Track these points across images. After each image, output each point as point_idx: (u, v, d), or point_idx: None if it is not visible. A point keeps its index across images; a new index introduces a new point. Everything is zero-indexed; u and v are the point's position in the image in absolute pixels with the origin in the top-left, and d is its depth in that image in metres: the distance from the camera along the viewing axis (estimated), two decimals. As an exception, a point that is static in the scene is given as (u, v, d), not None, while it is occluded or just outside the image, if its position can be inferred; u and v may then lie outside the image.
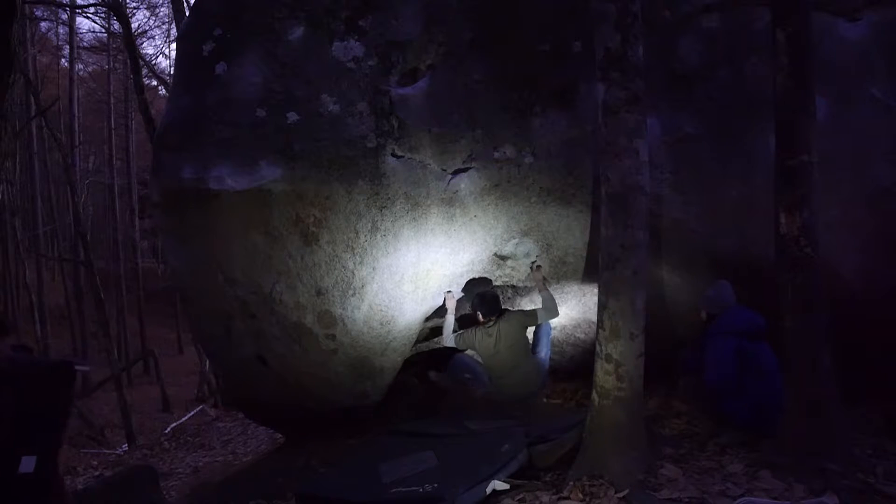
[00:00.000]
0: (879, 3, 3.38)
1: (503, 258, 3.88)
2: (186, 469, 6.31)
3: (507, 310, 4.11)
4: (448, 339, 4.06)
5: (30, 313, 13.46)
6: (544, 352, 4.23)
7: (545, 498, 2.54)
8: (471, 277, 4.02)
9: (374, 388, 4.00)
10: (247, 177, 3.21)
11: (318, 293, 3.43)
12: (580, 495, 2.47)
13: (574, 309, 4.42)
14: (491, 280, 4.09)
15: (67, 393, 2.39)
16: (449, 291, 3.99)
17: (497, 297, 4.08)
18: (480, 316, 3.97)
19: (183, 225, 3.50)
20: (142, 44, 17.93)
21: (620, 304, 2.63)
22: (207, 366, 11.56)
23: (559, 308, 3.95)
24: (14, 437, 2.15)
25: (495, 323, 3.93)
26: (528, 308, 4.22)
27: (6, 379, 2.19)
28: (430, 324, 4.32)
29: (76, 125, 15.96)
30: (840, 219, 3.21)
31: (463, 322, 4.21)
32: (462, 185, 3.41)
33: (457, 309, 4.12)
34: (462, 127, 3.33)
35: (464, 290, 4.12)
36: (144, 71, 12.95)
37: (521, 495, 2.61)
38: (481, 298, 3.96)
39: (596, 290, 2.78)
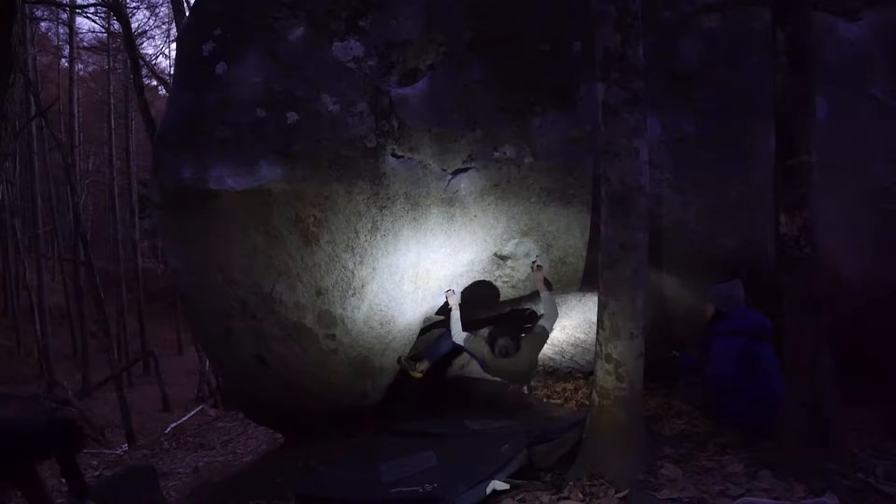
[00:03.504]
0: (879, 3, 3.38)
1: (503, 258, 3.88)
2: (186, 469, 6.31)
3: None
4: (458, 336, 3.97)
5: (30, 313, 13.47)
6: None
7: (545, 498, 2.53)
8: (472, 281, 3.96)
9: (374, 388, 4.00)
10: (247, 177, 3.21)
11: (318, 293, 3.43)
12: (580, 495, 2.47)
13: (574, 309, 4.42)
14: (492, 283, 4.04)
15: None
16: (449, 290, 3.98)
17: (518, 341, 3.85)
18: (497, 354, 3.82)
19: (183, 225, 3.50)
20: (142, 44, 17.97)
21: (620, 304, 2.63)
22: (207, 366, 11.56)
23: (558, 309, 3.94)
24: None
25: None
26: (535, 321, 4.13)
27: None
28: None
29: (76, 125, 15.98)
30: (840, 219, 3.21)
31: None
32: (462, 185, 3.41)
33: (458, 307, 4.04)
34: (462, 127, 3.33)
35: (465, 293, 4.03)
36: (144, 71, 12.96)
37: (521, 495, 2.61)
38: (506, 350, 3.76)
39: (596, 291, 2.78)
